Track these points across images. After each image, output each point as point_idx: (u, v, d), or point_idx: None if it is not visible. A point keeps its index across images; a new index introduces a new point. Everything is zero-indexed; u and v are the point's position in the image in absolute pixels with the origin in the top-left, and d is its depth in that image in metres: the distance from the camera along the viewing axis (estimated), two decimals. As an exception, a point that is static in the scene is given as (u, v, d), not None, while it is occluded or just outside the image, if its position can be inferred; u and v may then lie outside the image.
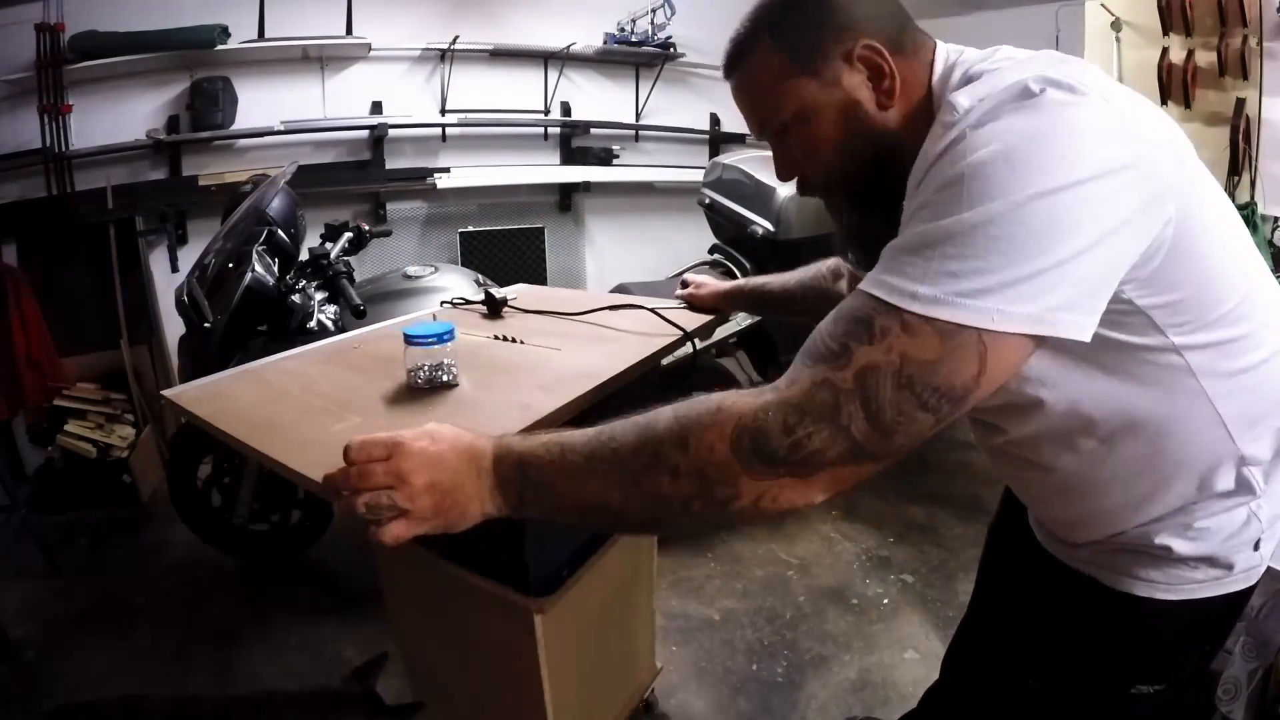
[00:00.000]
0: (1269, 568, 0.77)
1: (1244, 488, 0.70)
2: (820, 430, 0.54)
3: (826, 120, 0.71)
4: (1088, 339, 0.55)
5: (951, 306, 0.52)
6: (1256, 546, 0.73)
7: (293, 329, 1.97)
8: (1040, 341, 0.56)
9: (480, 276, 2.33)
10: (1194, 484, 0.69)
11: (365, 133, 3.51)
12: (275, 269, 2.04)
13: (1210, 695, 1.50)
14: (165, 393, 1.13)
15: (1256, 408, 0.68)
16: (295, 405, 1.04)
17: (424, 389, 1.04)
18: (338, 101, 3.45)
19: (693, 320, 1.34)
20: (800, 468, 0.55)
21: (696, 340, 1.30)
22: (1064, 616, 0.81)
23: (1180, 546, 0.71)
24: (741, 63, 0.75)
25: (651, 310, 1.34)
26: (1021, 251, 0.52)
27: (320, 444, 0.90)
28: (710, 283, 1.45)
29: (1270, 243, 1.86)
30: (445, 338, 1.03)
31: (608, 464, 0.58)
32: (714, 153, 4.12)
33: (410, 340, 1.03)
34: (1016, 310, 0.52)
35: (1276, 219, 1.86)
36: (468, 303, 1.58)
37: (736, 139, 4.14)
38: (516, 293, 1.60)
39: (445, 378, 1.05)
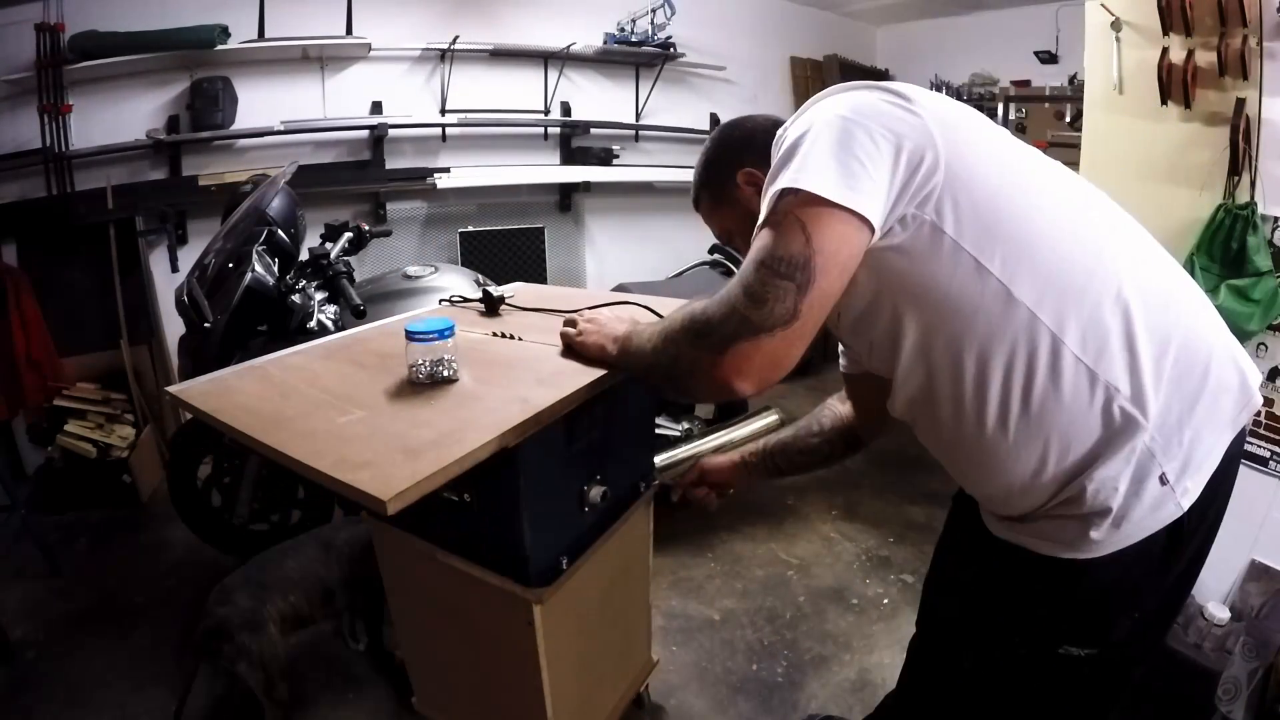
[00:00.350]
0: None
1: (1129, 424, 0.75)
2: (720, 312, 0.78)
3: (743, 226, 0.99)
4: (863, 211, 0.74)
5: (766, 205, 0.78)
6: (1164, 480, 0.76)
7: (293, 329, 1.97)
8: (849, 216, 0.74)
9: (480, 276, 2.33)
10: (1077, 435, 0.76)
11: (365, 133, 3.51)
12: (275, 269, 2.04)
13: (1202, 691, 1.50)
14: (169, 389, 1.14)
15: (1065, 299, 0.75)
16: (300, 400, 1.05)
17: (425, 383, 1.06)
18: (338, 101, 3.45)
19: None
20: (717, 346, 0.78)
21: None
22: (996, 585, 0.90)
23: (1090, 502, 0.77)
24: (697, 205, 1.13)
25: (646, 308, 1.34)
26: (804, 160, 0.76)
27: (326, 437, 0.91)
28: (719, 461, 1.36)
29: (1270, 242, 1.85)
30: (446, 334, 1.05)
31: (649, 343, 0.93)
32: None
33: (412, 336, 1.04)
34: (799, 178, 0.75)
35: (1276, 219, 1.85)
36: (465, 300, 1.59)
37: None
38: (514, 291, 1.61)
39: (446, 373, 1.06)
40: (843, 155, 0.75)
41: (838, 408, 1.26)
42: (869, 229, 0.75)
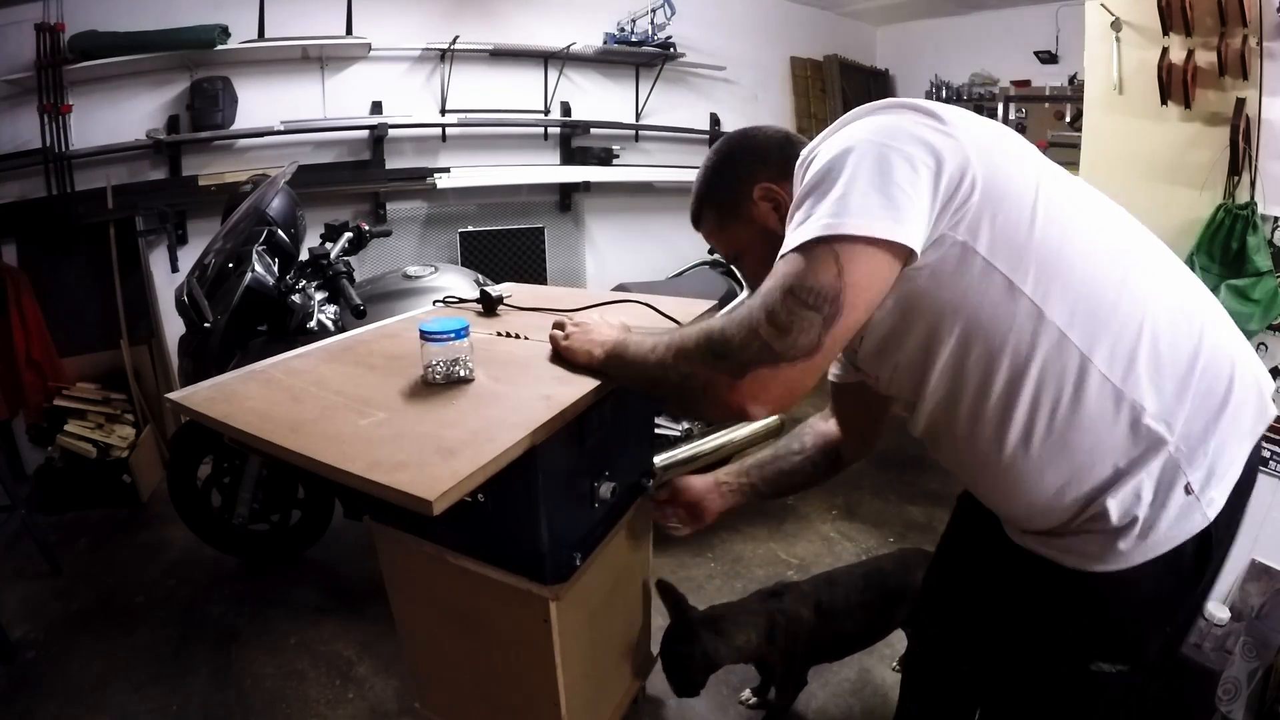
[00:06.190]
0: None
1: (1155, 441, 0.75)
2: (741, 335, 0.76)
3: (756, 246, 0.97)
4: (909, 243, 0.72)
5: (803, 235, 0.74)
6: (1189, 490, 0.76)
7: (293, 329, 1.97)
8: (886, 248, 0.72)
9: (480, 276, 2.33)
10: (1102, 454, 0.76)
11: (365, 133, 3.51)
12: (275, 269, 2.03)
13: (1202, 691, 1.50)
14: (170, 396, 1.10)
15: (1095, 322, 0.75)
16: (314, 403, 1.03)
17: (441, 384, 1.06)
18: (338, 101, 3.46)
19: (688, 315, 1.35)
20: (735, 370, 0.76)
21: None
22: (1020, 599, 0.88)
23: (1116, 517, 0.76)
24: (699, 222, 1.05)
25: (646, 304, 1.34)
26: (845, 196, 0.73)
27: (353, 440, 0.90)
28: (694, 481, 1.33)
29: (1270, 242, 1.86)
30: (461, 334, 1.05)
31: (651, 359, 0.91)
32: (714, 153, 4.13)
33: (428, 337, 1.04)
34: (844, 223, 0.72)
35: (1276, 219, 1.86)
36: (461, 301, 1.58)
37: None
38: (510, 290, 1.60)
39: (462, 373, 1.07)
40: (884, 185, 0.73)
41: (819, 425, 1.25)
42: (904, 258, 0.74)
